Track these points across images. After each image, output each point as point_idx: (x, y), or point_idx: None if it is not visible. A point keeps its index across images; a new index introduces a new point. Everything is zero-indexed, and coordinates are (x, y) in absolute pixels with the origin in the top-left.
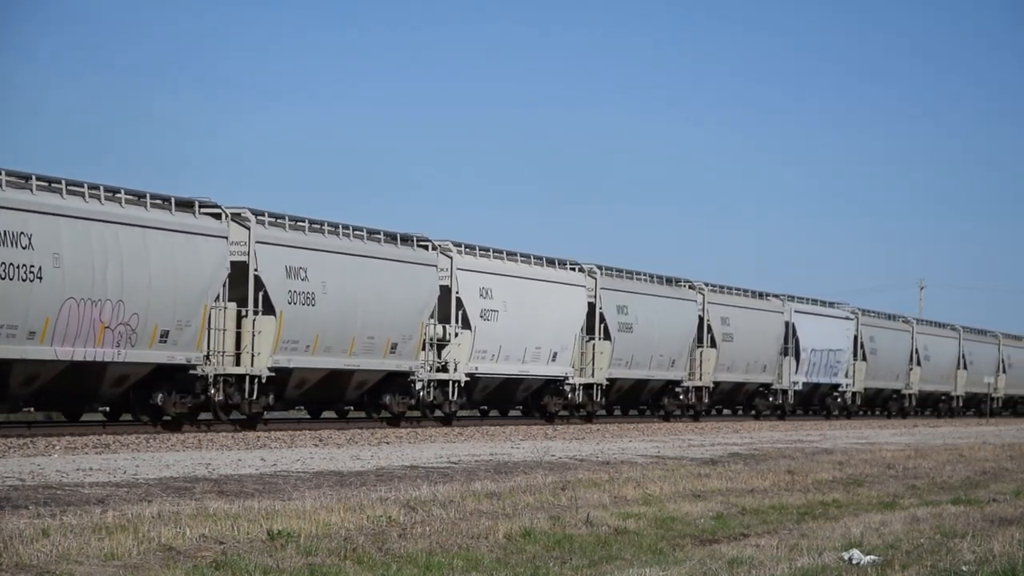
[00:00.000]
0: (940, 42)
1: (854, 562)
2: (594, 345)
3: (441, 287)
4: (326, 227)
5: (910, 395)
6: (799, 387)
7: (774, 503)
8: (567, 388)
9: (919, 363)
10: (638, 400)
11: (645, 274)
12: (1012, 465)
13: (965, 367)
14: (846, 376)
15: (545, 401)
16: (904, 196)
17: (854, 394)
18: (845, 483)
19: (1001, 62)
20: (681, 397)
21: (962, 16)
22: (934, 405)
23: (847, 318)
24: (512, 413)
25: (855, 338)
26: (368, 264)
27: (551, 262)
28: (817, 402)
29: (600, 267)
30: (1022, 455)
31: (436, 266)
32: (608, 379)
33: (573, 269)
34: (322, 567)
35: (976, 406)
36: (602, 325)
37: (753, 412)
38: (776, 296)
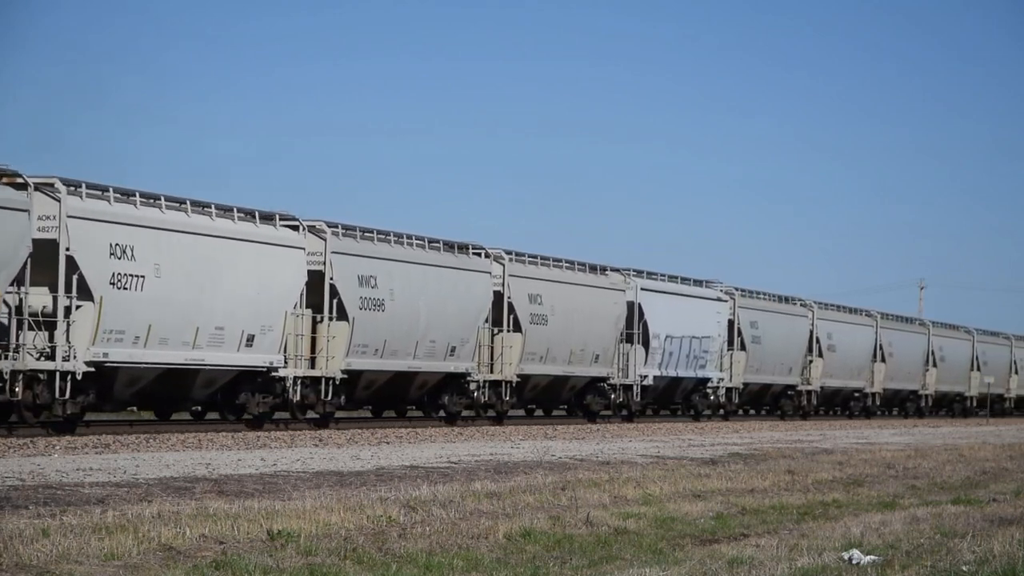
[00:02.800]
0: (940, 41)
1: (854, 562)
2: (328, 327)
3: (41, 241)
4: None
5: (809, 392)
6: (649, 381)
7: (774, 503)
8: (288, 383)
9: (821, 354)
10: (406, 397)
11: (409, 236)
12: (1012, 465)
13: (884, 359)
14: (719, 369)
15: (244, 399)
16: (903, 195)
17: (730, 390)
18: (845, 483)
19: (1002, 61)
20: (475, 394)
21: (962, 14)
22: (844, 403)
23: (718, 299)
24: (210, 415)
25: (731, 323)
26: None
27: (249, 215)
28: (680, 399)
29: (334, 226)
30: (1022, 455)
31: (28, 211)
32: (349, 370)
33: (292, 227)
34: (322, 567)
35: (900, 404)
36: (335, 301)
37: (586, 412)
38: (616, 270)
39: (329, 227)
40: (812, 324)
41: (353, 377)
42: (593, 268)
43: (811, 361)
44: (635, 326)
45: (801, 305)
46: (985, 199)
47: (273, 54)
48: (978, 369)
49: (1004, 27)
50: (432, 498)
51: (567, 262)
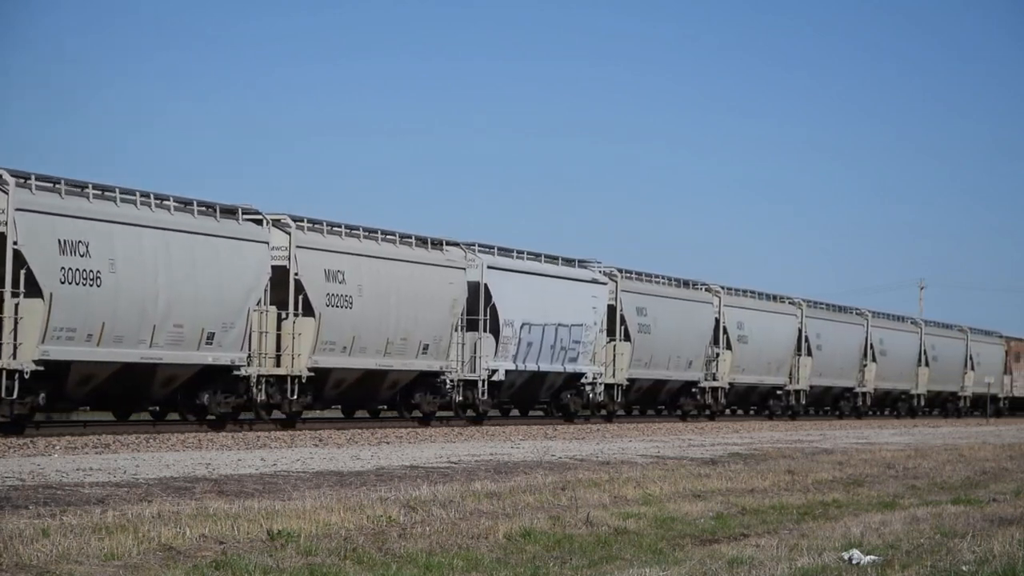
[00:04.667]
0: (940, 41)
1: (854, 562)
2: (15, 306)
3: None
4: None
5: (716, 389)
6: (501, 376)
7: (774, 503)
8: None
9: (729, 346)
10: (148, 395)
11: (146, 194)
12: (1012, 465)
13: (810, 353)
14: (596, 363)
15: None
16: (903, 195)
17: (612, 387)
18: (845, 483)
19: (1002, 61)
20: (253, 391)
21: (962, 14)
22: (762, 401)
23: (594, 281)
24: None
25: (612, 310)
26: None
27: None
28: (547, 397)
29: (23, 176)
30: (1022, 455)
31: None
32: (46, 361)
33: None
34: (322, 567)
35: (833, 403)
36: (23, 272)
37: (417, 413)
38: (456, 244)
39: (13, 177)
40: (718, 312)
41: (57, 370)
42: (424, 241)
43: (718, 354)
44: (481, 311)
45: (705, 290)
46: (985, 199)
47: (273, 54)
48: (927, 365)
49: (1004, 27)
50: (432, 498)
51: (386, 233)
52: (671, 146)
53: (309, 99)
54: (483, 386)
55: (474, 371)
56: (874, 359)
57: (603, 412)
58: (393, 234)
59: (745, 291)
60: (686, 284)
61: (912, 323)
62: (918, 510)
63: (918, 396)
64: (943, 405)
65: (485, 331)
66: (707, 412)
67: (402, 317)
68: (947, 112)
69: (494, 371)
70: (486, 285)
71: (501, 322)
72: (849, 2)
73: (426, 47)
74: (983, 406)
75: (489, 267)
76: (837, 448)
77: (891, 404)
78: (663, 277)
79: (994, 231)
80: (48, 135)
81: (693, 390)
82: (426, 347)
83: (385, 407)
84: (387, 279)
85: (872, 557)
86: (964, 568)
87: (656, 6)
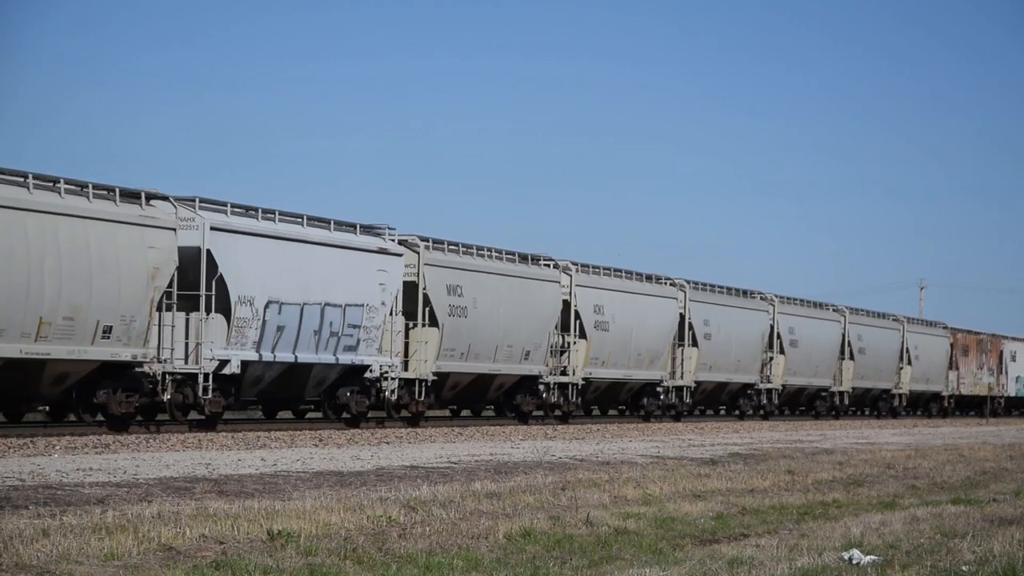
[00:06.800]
0: (940, 41)
1: (854, 562)
2: None
3: None
4: None
5: (565, 385)
6: (235, 368)
7: (774, 503)
8: None
9: (584, 335)
10: None
11: None
12: (1012, 465)
13: (695, 343)
14: (387, 353)
15: None
16: (903, 195)
17: (413, 383)
18: (845, 483)
19: (1002, 61)
20: None
21: (962, 14)
22: (633, 400)
23: (383, 252)
24: None
25: (414, 288)
26: None
27: None
28: (319, 395)
29: None
30: (1022, 455)
31: None
32: None
33: None
34: (322, 567)
35: (731, 401)
36: None
37: (112, 416)
38: (165, 198)
39: None
40: (568, 294)
41: None
42: (110, 191)
43: (570, 344)
44: (203, 285)
45: (551, 267)
46: (985, 199)
47: (273, 54)
48: (851, 358)
49: (1004, 27)
50: (432, 498)
51: (41, 178)
52: (672, 146)
53: (309, 99)
54: (205, 381)
55: (197, 362)
56: (782, 351)
57: (404, 413)
58: (56, 180)
59: (605, 269)
60: (523, 259)
61: (833, 310)
62: (918, 510)
63: (841, 393)
64: (874, 404)
65: (210, 311)
66: (556, 413)
67: (65, 290)
68: (947, 112)
69: (224, 362)
70: (209, 251)
71: (233, 299)
72: (849, 2)
73: (426, 47)
74: (924, 404)
75: (214, 228)
76: (837, 448)
77: (807, 402)
78: (488, 250)
79: (994, 231)
80: (48, 135)
81: (538, 386)
82: (108, 329)
83: (48, 408)
84: (39, 240)
85: (872, 557)
86: (964, 568)
87: (656, 6)
